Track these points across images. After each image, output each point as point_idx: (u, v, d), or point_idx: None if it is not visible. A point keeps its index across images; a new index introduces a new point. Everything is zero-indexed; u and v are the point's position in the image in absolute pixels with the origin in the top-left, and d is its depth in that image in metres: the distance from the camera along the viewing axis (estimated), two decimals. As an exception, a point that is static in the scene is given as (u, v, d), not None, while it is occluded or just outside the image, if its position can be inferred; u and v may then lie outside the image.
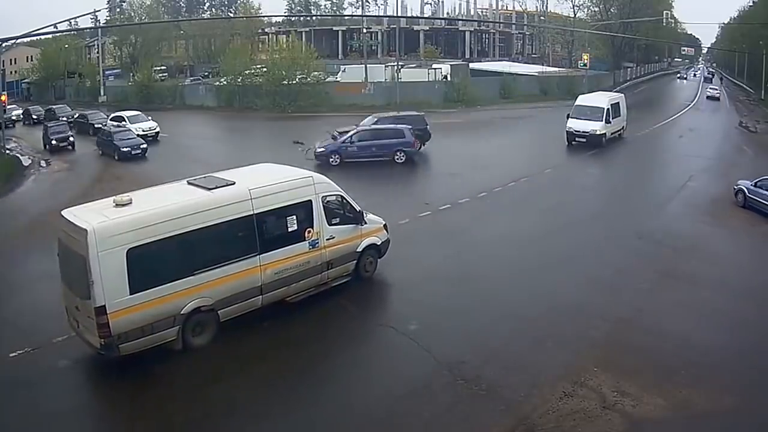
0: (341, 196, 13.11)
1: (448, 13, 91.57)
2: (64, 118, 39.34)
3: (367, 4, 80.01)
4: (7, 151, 31.56)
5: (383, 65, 52.94)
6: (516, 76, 54.77)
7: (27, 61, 68.57)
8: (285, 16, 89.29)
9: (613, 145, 29.32)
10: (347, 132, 25.65)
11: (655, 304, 12.53)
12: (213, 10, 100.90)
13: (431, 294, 12.87)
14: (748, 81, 71.68)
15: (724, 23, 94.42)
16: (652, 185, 23.54)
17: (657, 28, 62.45)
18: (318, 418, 9.03)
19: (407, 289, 13.36)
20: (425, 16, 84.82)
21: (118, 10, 65.53)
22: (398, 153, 24.82)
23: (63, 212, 10.73)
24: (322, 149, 24.30)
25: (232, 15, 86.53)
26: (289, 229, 12.02)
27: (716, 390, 9.54)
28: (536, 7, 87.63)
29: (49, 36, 56.75)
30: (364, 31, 64.42)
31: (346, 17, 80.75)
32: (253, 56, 57.58)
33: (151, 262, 10.26)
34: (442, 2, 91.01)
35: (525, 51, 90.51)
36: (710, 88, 62.30)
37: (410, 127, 25.99)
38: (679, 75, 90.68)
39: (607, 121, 28.86)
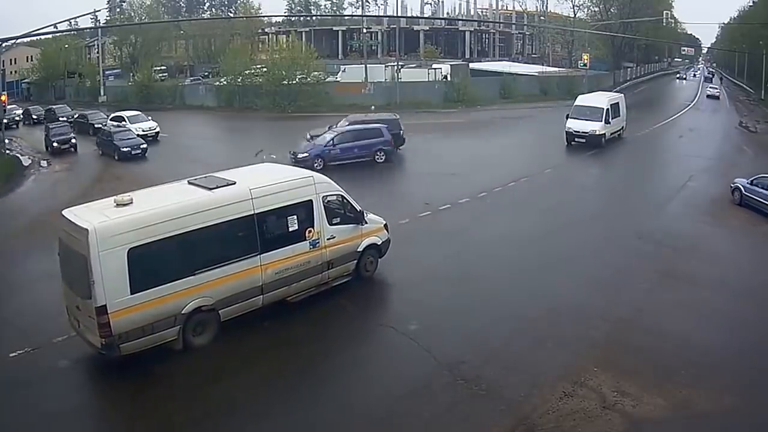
0: (342, 196, 13.11)
1: (448, 13, 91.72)
2: (64, 118, 39.32)
3: (367, 4, 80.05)
4: (7, 151, 31.54)
5: (383, 65, 52.96)
6: (516, 76, 54.75)
7: (27, 61, 68.56)
8: (285, 16, 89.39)
9: (612, 145, 29.33)
10: (321, 135, 25.58)
11: (655, 304, 12.54)
12: (213, 10, 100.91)
13: (431, 294, 12.87)
14: (748, 81, 71.69)
15: (724, 23, 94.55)
16: (652, 185, 23.54)
17: (657, 28, 62.45)
18: (318, 418, 9.04)
19: (407, 289, 13.37)
20: (425, 16, 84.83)
21: (118, 10, 65.57)
22: (378, 153, 24.83)
23: (64, 212, 10.74)
24: (305, 154, 23.72)
25: (232, 15, 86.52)
26: (290, 229, 12.03)
27: (716, 390, 9.54)
28: (536, 7, 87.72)
29: (49, 36, 56.74)
30: (364, 31, 64.37)
31: (346, 17, 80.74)
32: (253, 56, 57.58)
33: (152, 262, 10.26)
34: (442, 2, 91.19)
35: (525, 51, 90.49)
36: (710, 87, 63.86)
37: (387, 126, 25.96)
38: (678, 75, 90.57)
39: (607, 122, 28.84)
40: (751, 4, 77.05)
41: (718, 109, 50.94)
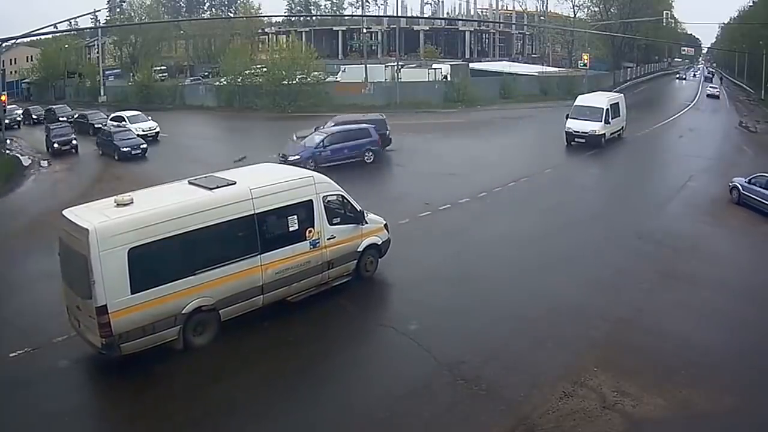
0: (342, 196, 13.12)
1: (448, 13, 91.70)
2: (64, 119, 39.31)
3: (367, 4, 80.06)
4: (8, 152, 31.53)
5: (383, 65, 52.94)
6: (516, 76, 54.73)
7: (27, 61, 68.55)
8: (285, 16, 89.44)
9: (612, 145, 29.33)
10: (307, 136, 25.50)
11: (655, 305, 12.54)
12: (213, 10, 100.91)
13: (431, 294, 12.87)
14: (748, 81, 71.71)
15: (724, 23, 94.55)
16: (652, 185, 23.55)
17: (657, 28, 62.48)
18: (318, 418, 9.04)
19: (407, 289, 13.37)
20: (425, 16, 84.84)
21: (118, 10, 65.58)
22: (367, 153, 24.79)
23: (64, 212, 10.74)
24: (296, 157, 23.33)
25: (232, 15, 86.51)
26: (290, 229, 12.03)
27: (716, 390, 9.54)
28: (536, 7, 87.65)
29: (49, 36, 56.72)
30: (364, 31, 64.35)
31: (346, 17, 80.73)
32: (253, 56, 57.57)
33: (153, 262, 10.27)
34: (442, 2, 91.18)
35: (525, 51, 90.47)
36: (710, 87, 64.83)
37: (375, 126, 25.93)
38: (678, 75, 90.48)
39: (607, 122, 28.83)
40: (751, 4, 77.14)
41: (718, 109, 50.95)
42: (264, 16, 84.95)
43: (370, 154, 24.91)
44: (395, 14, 70.43)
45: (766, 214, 18.68)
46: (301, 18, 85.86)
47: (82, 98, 57.92)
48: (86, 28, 69.59)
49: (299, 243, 12.08)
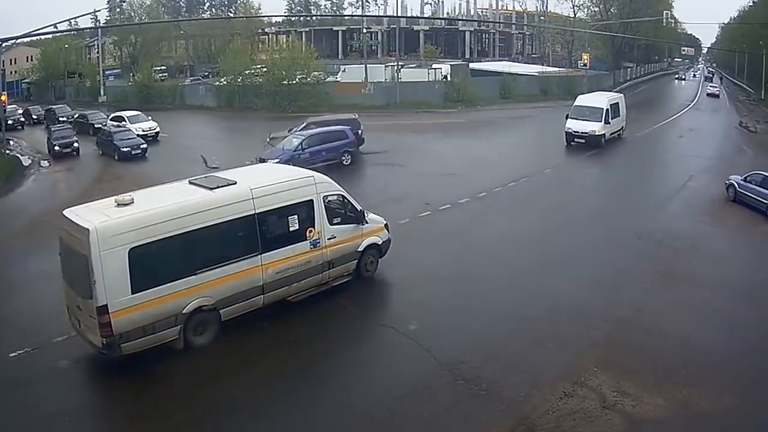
0: (342, 196, 13.12)
1: (448, 13, 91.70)
2: (64, 119, 39.29)
3: (367, 4, 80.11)
4: (8, 152, 31.52)
5: (383, 65, 52.93)
6: (516, 76, 54.73)
7: (27, 61, 68.54)
8: (285, 16, 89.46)
9: (612, 146, 29.32)
10: (282, 137, 25.36)
11: (655, 305, 12.55)
12: (213, 10, 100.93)
13: (431, 294, 12.88)
14: (748, 81, 71.73)
15: (724, 23, 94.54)
16: (652, 185, 23.55)
17: (657, 28, 62.50)
18: (318, 418, 9.04)
19: (407, 289, 13.38)
20: (425, 16, 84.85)
21: (118, 10, 65.59)
22: (344, 155, 24.52)
23: (65, 212, 10.74)
24: (275, 160, 22.78)
25: (232, 15, 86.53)
26: (291, 229, 12.04)
27: (716, 390, 9.55)
28: (536, 7, 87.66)
29: (49, 36, 56.72)
30: (364, 31, 64.35)
31: (346, 17, 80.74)
32: (253, 56, 57.57)
33: (153, 262, 10.28)
34: (442, 2, 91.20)
35: (525, 51, 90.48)
36: (710, 86, 65.86)
37: (350, 127, 25.80)
38: (677, 76, 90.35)
39: (606, 122, 28.82)
40: (751, 4, 77.13)
41: (718, 109, 50.97)
42: (264, 16, 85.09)
43: (348, 156, 24.65)
44: (395, 14, 70.51)
45: (762, 212, 18.74)
46: (301, 18, 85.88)
47: (82, 98, 57.91)
48: (86, 28, 69.70)
49: (300, 243, 12.09)
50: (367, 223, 13.39)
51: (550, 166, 24.86)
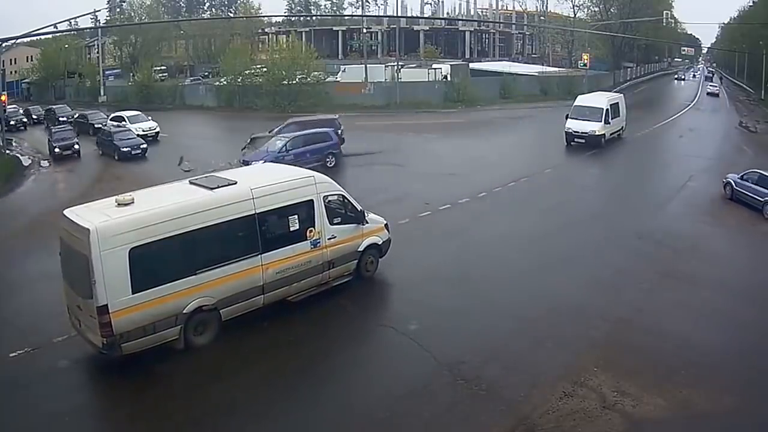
0: (343, 196, 13.13)
1: (448, 13, 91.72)
2: (64, 119, 39.25)
3: (367, 4, 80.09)
4: (8, 152, 31.51)
5: (383, 65, 52.93)
6: (516, 76, 54.75)
7: (27, 61, 68.59)
8: (285, 16, 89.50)
9: (612, 146, 29.33)
10: (264, 138, 25.26)
11: (655, 305, 12.55)
12: (213, 10, 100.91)
13: (431, 294, 12.87)
14: (748, 81, 71.78)
15: (724, 23, 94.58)
16: (652, 185, 23.56)
17: (657, 28, 62.55)
18: (318, 418, 9.04)
19: (407, 289, 13.38)
20: (425, 16, 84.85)
21: (118, 10, 65.62)
22: (329, 157, 24.29)
23: (65, 212, 10.74)
24: (260, 162, 22.16)
25: (232, 15, 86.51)
26: (291, 229, 12.04)
27: (716, 390, 9.55)
28: (536, 7, 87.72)
29: (49, 36, 56.74)
30: (364, 31, 64.35)
31: (346, 17, 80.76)
32: (253, 56, 57.54)
33: (153, 262, 10.28)
34: (442, 2, 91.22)
35: (525, 51, 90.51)
36: (710, 86, 66.82)
37: (333, 129, 25.68)
38: (677, 76, 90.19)
39: (606, 122, 28.84)
40: (751, 4, 77.17)
41: (718, 109, 50.99)
42: (264, 16, 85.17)
43: (332, 157, 24.44)
44: (395, 14, 70.45)
45: (758, 209, 18.82)
46: (301, 18, 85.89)
47: (82, 98, 57.92)
48: (86, 28, 69.72)
49: (300, 243, 12.09)
50: (367, 223, 13.39)
51: (550, 166, 24.87)
